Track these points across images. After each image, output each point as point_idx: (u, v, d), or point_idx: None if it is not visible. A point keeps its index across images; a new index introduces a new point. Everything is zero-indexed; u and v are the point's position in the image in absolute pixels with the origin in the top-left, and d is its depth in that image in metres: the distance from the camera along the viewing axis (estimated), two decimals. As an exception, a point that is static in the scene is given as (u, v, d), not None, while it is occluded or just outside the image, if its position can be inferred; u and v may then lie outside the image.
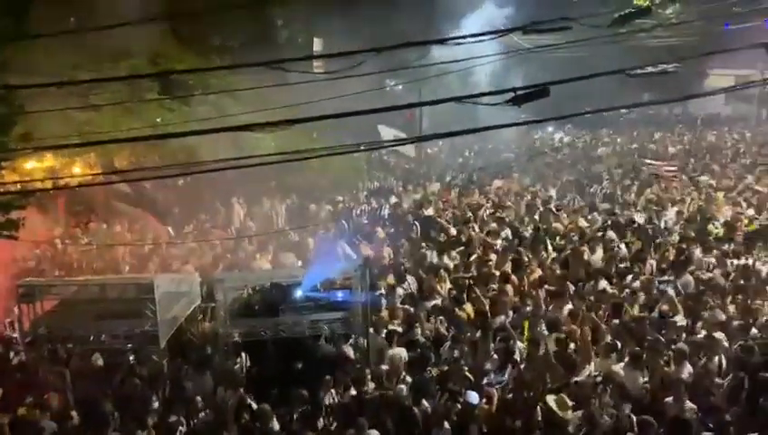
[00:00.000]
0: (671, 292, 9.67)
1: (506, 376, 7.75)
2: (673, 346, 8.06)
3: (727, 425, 6.57)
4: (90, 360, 8.59)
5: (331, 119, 5.58)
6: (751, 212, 14.38)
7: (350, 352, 8.63)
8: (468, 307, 9.62)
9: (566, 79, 6.13)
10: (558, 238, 12.91)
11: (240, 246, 13.68)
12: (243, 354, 8.63)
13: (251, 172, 11.31)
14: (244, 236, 14.50)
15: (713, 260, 11.32)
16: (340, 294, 8.84)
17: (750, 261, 11.08)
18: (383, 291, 10.29)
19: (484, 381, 7.72)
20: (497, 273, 10.79)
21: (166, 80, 12.81)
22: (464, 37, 6.71)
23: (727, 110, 38.10)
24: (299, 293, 8.83)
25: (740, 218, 13.67)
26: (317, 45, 21.49)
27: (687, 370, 7.60)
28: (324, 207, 17.11)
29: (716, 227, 13.02)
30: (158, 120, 13.80)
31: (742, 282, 10.16)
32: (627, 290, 10.03)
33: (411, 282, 10.76)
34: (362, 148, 7.57)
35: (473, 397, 7.09)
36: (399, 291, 10.40)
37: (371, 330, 8.80)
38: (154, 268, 12.55)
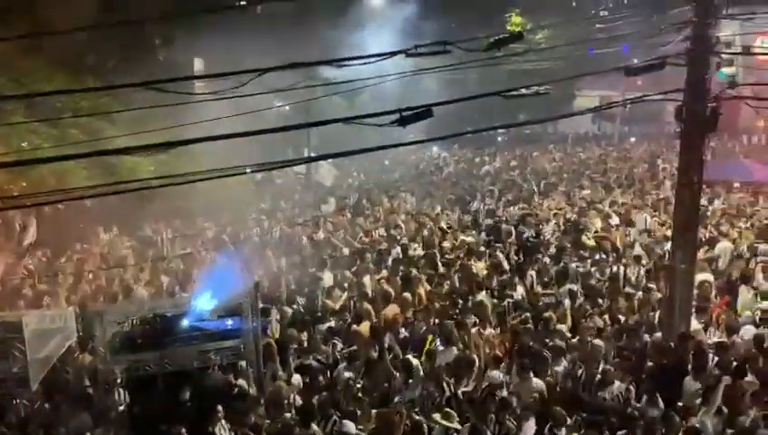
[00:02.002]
0: (553, 301, 10.23)
1: (417, 392, 7.80)
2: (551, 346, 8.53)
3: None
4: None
5: (218, 140, 5.42)
6: (615, 221, 15.52)
7: (241, 381, 8.35)
8: (364, 326, 9.65)
9: (448, 100, 6.35)
10: (446, 254, 13.28)
11: (120, 277, 12.90)
12: (125, 391, 8.11)
13: (130, 197, 10.74)
14: (123, 265, 13.68)
15: (590, 269, 12.11)
16: (229, 322, 8.53)
17: (621, 269, 11.96)
18: (275, 315, 10.08)
19: (396, 398, 7.71)
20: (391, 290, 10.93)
21: (31, 101, 11.91)
22: (348, 59, 6.78)
23: (594, 128, 41.22)
24: (185, 322, 8.43)
25: (610, 229, 14.73)
26: (198, 65, 20.95)
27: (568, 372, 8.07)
28: (212, 232, 16.57)
29: (589, 238, 13.92)
30: (24, 144, 12.82)
31: (616, 288, 10.95)
32: (509, 301, 10.48)
33: (303, 304, 10.64)
34: (248, 170, 7.39)
35: (348, 427, 7.00)
36: (290, 314, 10.25)
37: (263, 356, 8.57)
38: (24, 304, 11.55)
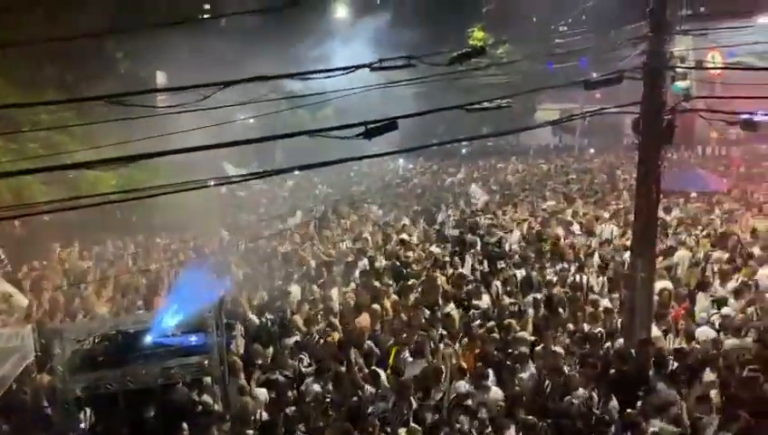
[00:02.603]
0: (518, 310, 10.37)
1: (384, 406, 7.79)
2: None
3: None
4: None
5: (180, 154, 5.37)
6: (578, 231, 15.81)
7: (206, 397, 8.22)
8: (332, 339, 9.61)
9: (413, 113, 6.44)
10: (413, 266, 13.33)
11: (80, 293, 12.58)
12: (86, 410, 7.90)
13: (91, 212, 10.52)
14: (83, 282, 13.36)
15: (553, 278, 12.31)
16: (193, 338, 8.41)
17: (584, 278, 12.18)
18: (241, 330, 9.97)
19: (369, 409, 7.70)
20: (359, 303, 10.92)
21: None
22: (313, 72, 6.82)
23: (555, 140, 42.03)
24: (148, 339, 8.28)
25: (572, 239, 15.00)
26: (160, 79, 20.72)
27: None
28: (176, 246, 16.33)
29: (552, 248, 14.14)
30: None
31: (578, 296, 11.15)
32: (475, 311, 10.58)
33: (271, 318, 10.55)
34: (212, 183, 7.35)
35: None
36: (256, 328, 10.15)
37: (229, 372, 8.46)
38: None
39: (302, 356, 9.22)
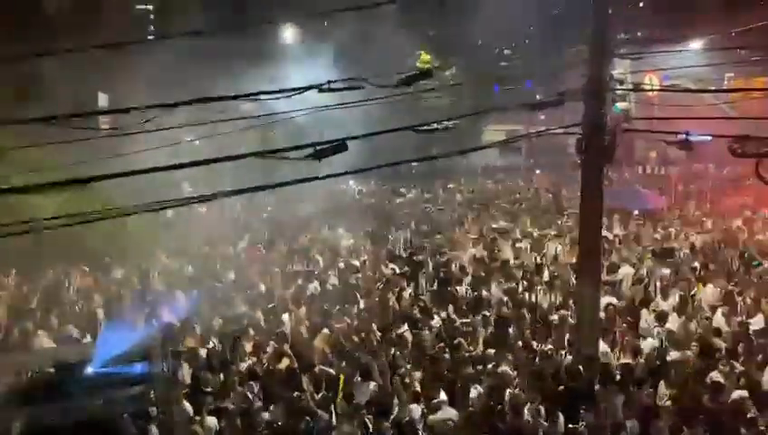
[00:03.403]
0: (470, 329, 10.42)
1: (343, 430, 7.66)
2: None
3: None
4: None
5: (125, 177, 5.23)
6: (526, 249, 16.09)
7: (152, 428, 7.92)
8: (283, 365, 9.43)
9: (362, 134, 6.45)
10: (365, 287, 13.27)
11: (18, 324, 11.99)
12: (23, 448, 7.49)
13: (29, 239, 10.08)
14: (21, 312, 12.75)
15: (503, 296, 12.45)
16: (138, 367, 8.11)
17: (534, 295, 12.38)
18: (188, 358, 9.68)
19: None
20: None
21: None
22: (260, 93, 6.75)
23: (501, 161, 42.88)
24: (90, 370, 7.93)
25: (520, 257, 15.24)
26: (102, 101, 20.23)
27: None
28: (119, 273, 15.77)
29: (501, 266, 14.33)
30: None
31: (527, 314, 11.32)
32: (427, 332, 10.58)
33: (218, 345, 10.28)
34: (158, 207, 7.15)
35: None
36: (204, 357, 9.88)
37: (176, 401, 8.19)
38: None
39: (251, 383, 8.99)
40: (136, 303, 12.80)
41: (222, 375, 9.21)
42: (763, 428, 7.54)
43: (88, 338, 11.00)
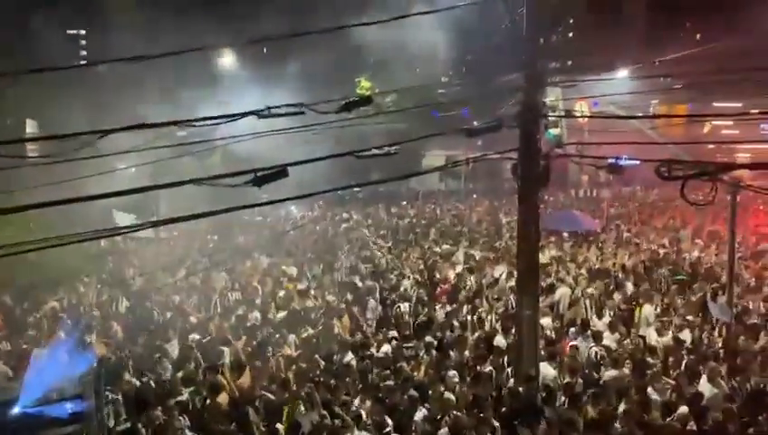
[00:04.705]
0: (413, 354, 10.44)
1: None
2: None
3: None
4: None
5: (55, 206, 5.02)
6: (466, 272, 16.30)
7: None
8: (221, 398, 9.16)
9: (303, 160, 6.43)
10: (308, 315, 13.11)
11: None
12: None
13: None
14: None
15: (447, 320, 12.54)
16: (69, 405, 7.71)
17: (475, 318, 12.53)
18: (120, 394, 9.29)
19: None
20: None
21: None
22: (200, 120, 6.65)
23: (441, 185, 43.57)
24: (14, 411, 7.49)
25: (465, 280, 15.42)
26: (30, 127, 19.52)
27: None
28: (46, 306, 15.04)
29: (444, 289, 14.48)
30: None
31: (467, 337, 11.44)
32: (370, 359, 10.53)
33: (154, 379, 9.91)
34: (90, 237, 6.89)
35: None
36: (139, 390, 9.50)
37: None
38: None
39: (180, 418, 8.65)
40: (67, 336, 12.21)
41: (159, 410, 8.85)
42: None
43: (12, 374, 10.43)
